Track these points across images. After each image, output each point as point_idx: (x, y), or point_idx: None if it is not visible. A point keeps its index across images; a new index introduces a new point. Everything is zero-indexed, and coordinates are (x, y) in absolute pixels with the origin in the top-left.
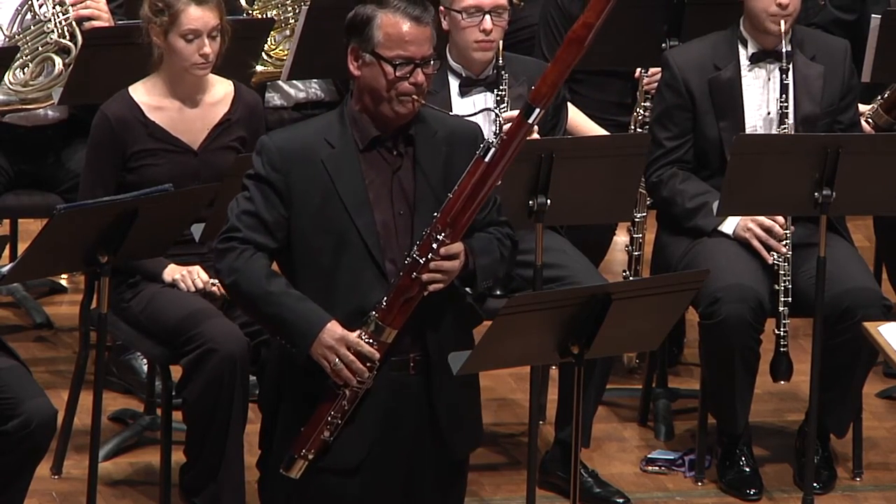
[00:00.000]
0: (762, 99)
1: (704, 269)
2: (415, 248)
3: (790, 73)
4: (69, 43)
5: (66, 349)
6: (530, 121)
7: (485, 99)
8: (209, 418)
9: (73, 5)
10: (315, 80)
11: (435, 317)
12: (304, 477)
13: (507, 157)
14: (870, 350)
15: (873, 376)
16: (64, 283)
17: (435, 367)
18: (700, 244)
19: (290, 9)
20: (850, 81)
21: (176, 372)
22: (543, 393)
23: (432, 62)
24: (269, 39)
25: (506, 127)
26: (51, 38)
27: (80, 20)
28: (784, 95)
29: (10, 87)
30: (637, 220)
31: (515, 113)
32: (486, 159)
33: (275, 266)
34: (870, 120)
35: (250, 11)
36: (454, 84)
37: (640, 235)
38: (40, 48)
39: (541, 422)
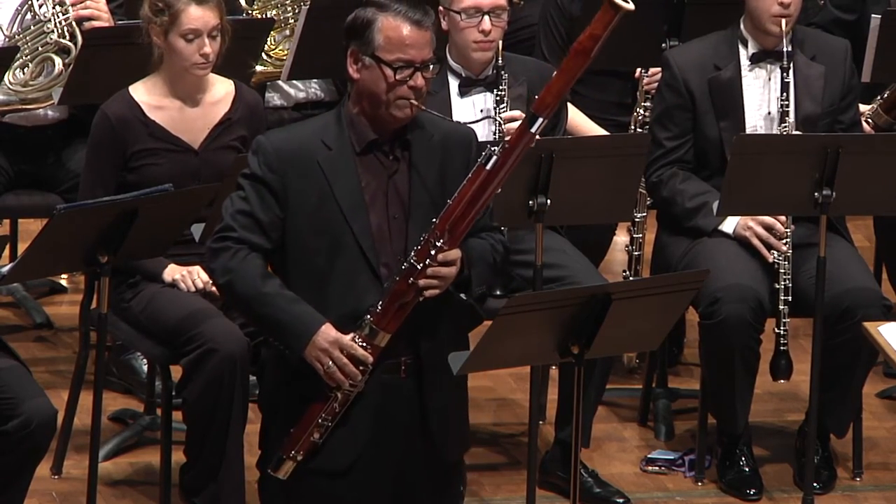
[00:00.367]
0: (762, 99)
1: (704, 269)
2: (412, 253)
3: (791, 73)
4: (69, 43)
5: (66, 349)
6: (533, 130)
7: (484, 99)
8: (209, 418)
9: (73, 5)
10: (315, 80)
11: (427, 320)
12: (297, 478)
13: (508, 165)
14: (870, 350)
15: (873, 376)
16: (64, 283)
17: (426, 370)
18: (700, 244)
19: (290, 9)
20: (851, 81)
21: (176, 372)
22: (543, 393)
23: (431, 66)
24: (269, 39)
25: (507, 126)
26: (51, 38)
27: (80, 20)
28: (785, 94)
29: (10, 87)
30: (637, 220)
31: (516, 113)
32: (488, 167)
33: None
34: (869, 120)
35: (250, 11)
36: (454, 84)
37: (640, 235)
38: (40, 48)
39: (541, 422)
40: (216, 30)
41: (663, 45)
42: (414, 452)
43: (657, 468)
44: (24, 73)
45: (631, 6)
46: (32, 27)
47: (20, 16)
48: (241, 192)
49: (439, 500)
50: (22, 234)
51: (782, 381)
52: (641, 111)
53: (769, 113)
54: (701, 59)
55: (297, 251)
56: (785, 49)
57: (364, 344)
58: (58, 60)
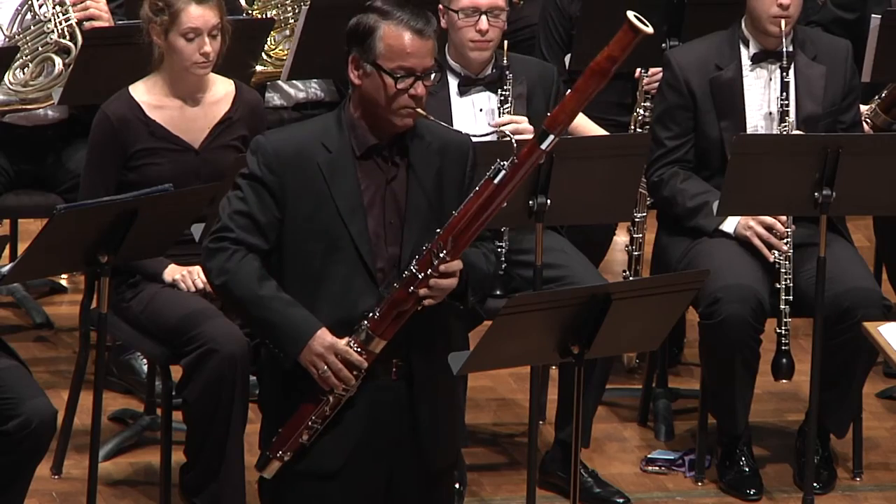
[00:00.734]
0: (763, 99)
1: (704, 269)
2: (413, 262)
3: (791, 72)
4: (69, 43)
5: (66, 349)
6: (544, 147)
7: (484, 98)
8: (209, 418)
9: (73, 5)
10: (315, 80)
11: (420, 325)
12: (288, 480)
13: (515, 180)
14: (870, 350)
15: (873, 376)
16: (64, 283)
17: (417, 373)
18: (700, 244)
19: (289, 9)
20: (852, 82)
21: (176, 372)
22: (543, 393)
23: (433, 74)
24: (269, 39)
25: (509, 128)
26: (51, 38)
27: (80, 20)
28: (784, 93)
29: (10, 87)
30: (637, 220)
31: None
32: (496, 181)
33: None
34: (868, 120)
35: (250, 11)
36: (453, 84)
37: (640, 235)
38: (40, 48)
39: (541, 422)
40: (216, 29)
41: (663, 45)
42: (403, 457)
43: (657, 468)
44: (24, 73)
45: (650, 30)
46: (32, 27)
47: (20, 16)
48: (238, 192)
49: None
50: (22, 234)
51: (784, 380)
52: (641, 111)
53: (770, 113)
54: (702, 58)
55: (292, 252)
56: (784, 49)
57: (359, 349)
58: (58, 60)
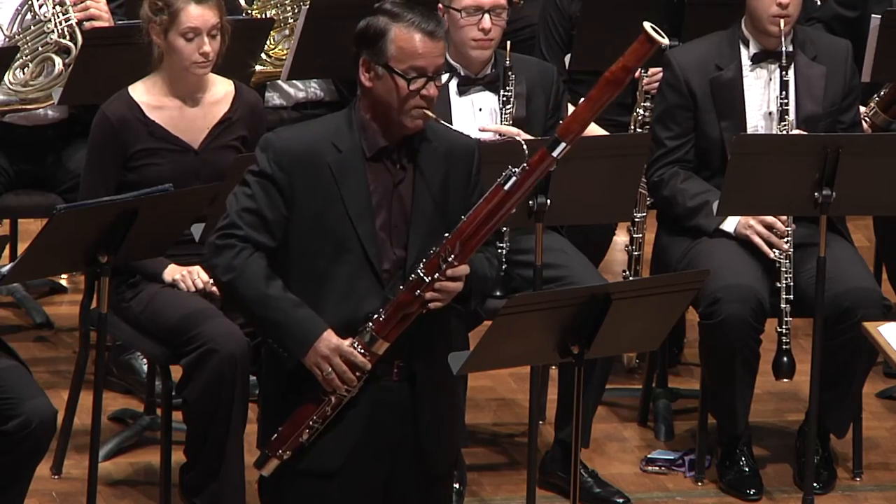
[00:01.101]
0: (763, 99)
1: (704, 269)
2: (420, 265)
3: (791, 72)
4: (69, 43)
5: (66, 349)
6: (555, 154)
7: (486, 98)
8: (209, 418)
9: (73, 5)
10: (315, 80)
11: (422, 326)
12: (288, 479)
13: (525, 187)
14: (870, 350)
15: (873, 376)
16: (64, 283)
17: (418, 374)
18: (700, 244)
19: (289, 9)
20: (852, 81)
21: (176, 372)
22: (543, 393)
23: (443, 75)
24: (268, 39)
25: (510, 129)
26: (51, 38)
27: (81, 20)
28: (784, 92)
29: (10, 87)
30: (637, 220)
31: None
32: (506, 187)
33: None
34: (867, 119)
35: (250, 11)
36: (453, 83)
37: (640, 235)
38: (40, 48)
39: (541, 422)
40: (216, 29)
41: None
42: (403, 458)
43: (657, 468)
44: (24, 73)
45: (666, 41)
46: (32, 27)
47: (20, 16)
48: (247, 188)
49: None
50: (22, 234)
51: (785, 380)
52: (641, 111)
53: (770, 113)
54: (702, 58)
55: (298, 251)
56: (784, 49)
57: (363, 351)
58: (58, 60)
